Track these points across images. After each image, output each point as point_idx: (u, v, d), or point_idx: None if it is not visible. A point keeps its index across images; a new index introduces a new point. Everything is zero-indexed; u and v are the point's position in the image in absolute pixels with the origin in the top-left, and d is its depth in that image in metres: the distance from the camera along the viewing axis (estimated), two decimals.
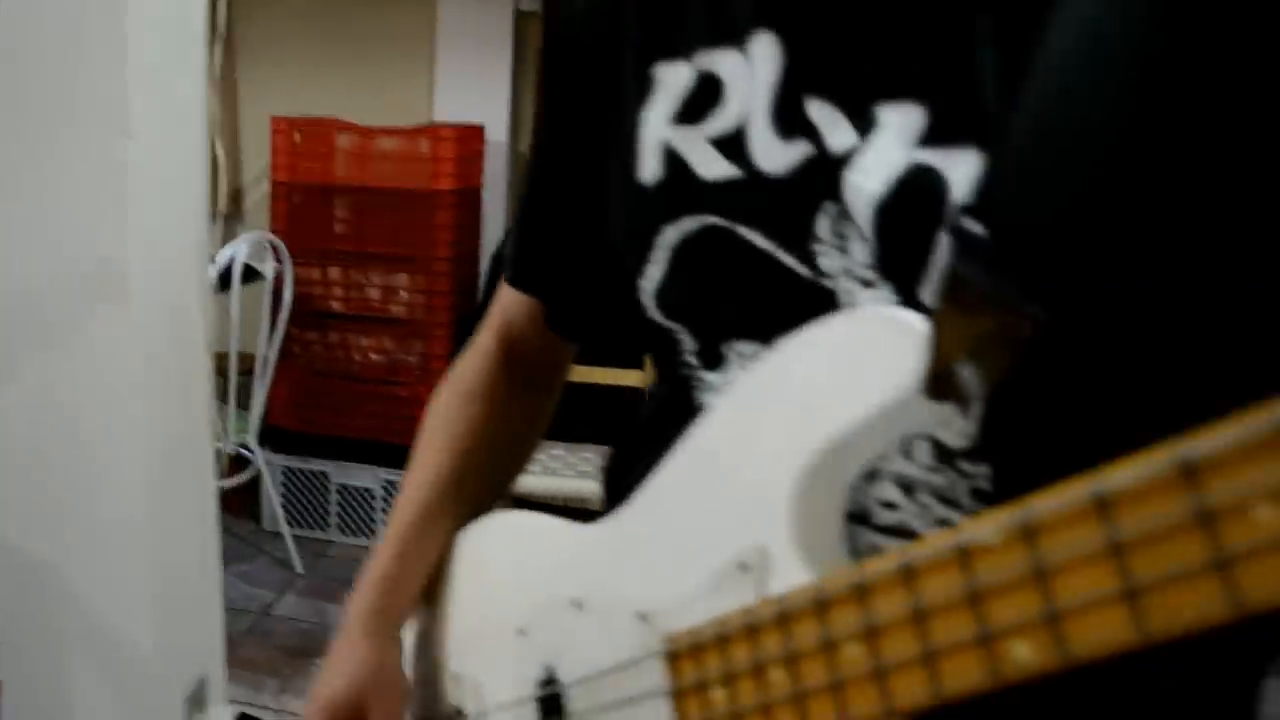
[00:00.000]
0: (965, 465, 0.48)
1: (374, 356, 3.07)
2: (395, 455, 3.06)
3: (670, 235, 0.55)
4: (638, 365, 2.82)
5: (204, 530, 1.53)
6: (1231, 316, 0.46)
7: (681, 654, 0.49)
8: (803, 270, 0.51)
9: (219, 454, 2.53)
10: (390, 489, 3.15)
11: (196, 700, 1.53)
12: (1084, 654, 0.35)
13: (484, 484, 0.73)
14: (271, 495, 3.11)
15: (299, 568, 3.05)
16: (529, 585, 0.61)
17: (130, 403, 1.32)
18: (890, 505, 0.49)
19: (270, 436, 3.20)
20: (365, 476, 3.15)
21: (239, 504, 3.47)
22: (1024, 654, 0.36)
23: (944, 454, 0.48)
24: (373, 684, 0.65)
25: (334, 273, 3.00)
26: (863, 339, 0.44)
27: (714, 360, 0.54)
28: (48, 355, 1.32)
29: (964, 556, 0.38)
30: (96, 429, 1.34)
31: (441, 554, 0.69)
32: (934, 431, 0.48)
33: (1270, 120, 0.42)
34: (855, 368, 0.44)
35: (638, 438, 0.62)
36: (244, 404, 2.88)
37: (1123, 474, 0.34)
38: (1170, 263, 0.45)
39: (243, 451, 2.87)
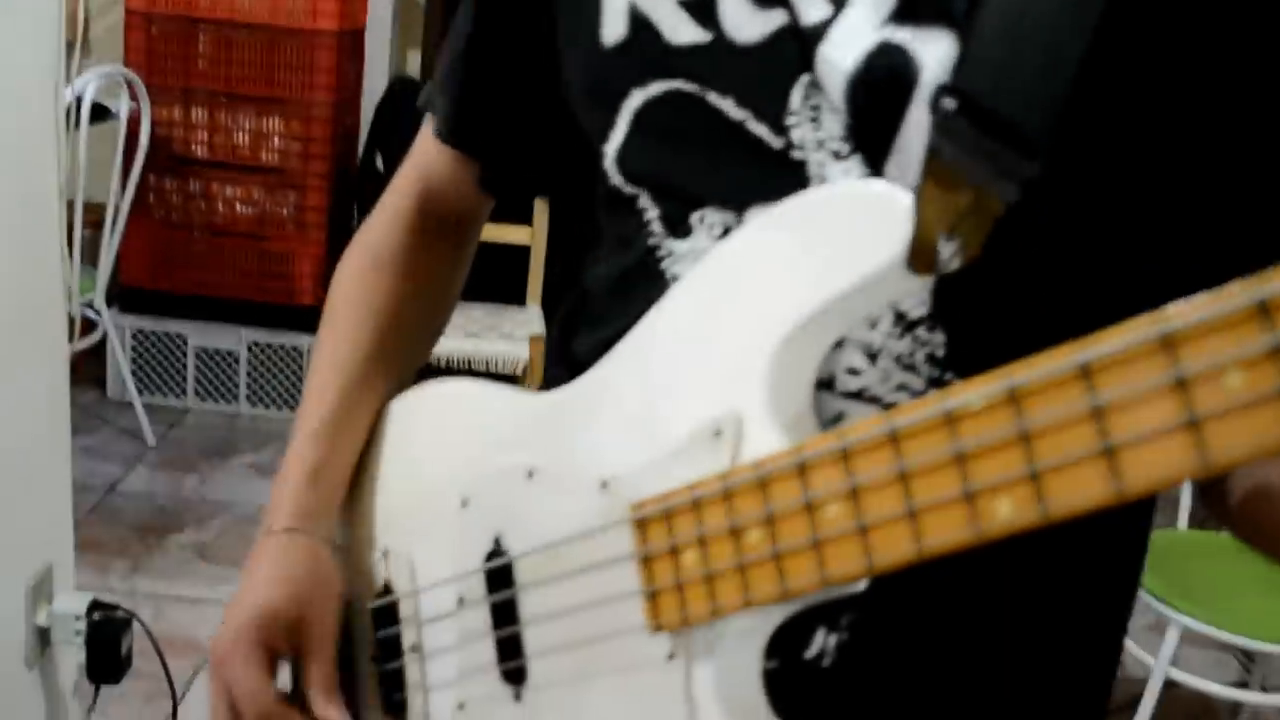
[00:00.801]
0: (922, 333, 0.53)
1: (241, 208, 2.99)
2: (263, 315, 3.02)
3: (636, 99, 0.58)
4: (527, 222, 2.83)
5: (51, 404, 1.49)
6: (1197, 201, 0.52)
7: (651, 520, 0.53)
8: (774, 141, 0.55)
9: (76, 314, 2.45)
10: (257, 351, 3.12)
11: (42, 590, 1.52)
12: (1062, 511, 0.40)
13: (405, 356, 0.75)
14: (121, 361, 3.05)
15: (150, 439, 3.01)
16: (472, 455, 0.64)
17: None
18: (854, 371, 0.54)
19: (121, 296, 3.11)
20: (228, 338, 3.10)
21: (82, 371, 3.38)
22: (1006, 510, 0.41)
23: (904, 322, 0.53)
24: (311, 587, 0.66)
25: (197, 114, 2.88)
26: (851, 211, 0.48)
27: (681, 229, 0.57)
28: None
29: (949, 420, 0.43)
30: None
31: (361, 440, 0.71)
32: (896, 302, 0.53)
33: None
34: (843, 239, 0.48)
35: (589, 307, 0.64)
36: (91, 260, 2.78)
37: (1105, 344, 0.39)
38: (1142, 143, 0.50)
39: (88, 312, 2.79)
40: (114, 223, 2.68)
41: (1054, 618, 0.59)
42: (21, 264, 1.34)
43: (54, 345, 1.42)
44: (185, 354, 3.16)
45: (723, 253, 0.53)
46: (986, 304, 0.53)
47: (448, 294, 0.80)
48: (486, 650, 0.62)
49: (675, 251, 0.58)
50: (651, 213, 0.59)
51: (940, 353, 0.53)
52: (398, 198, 0.76)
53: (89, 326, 2.93)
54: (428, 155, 0.74)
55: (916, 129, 0.51)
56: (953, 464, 0.43)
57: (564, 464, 0.58)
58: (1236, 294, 0.36)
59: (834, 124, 0.53)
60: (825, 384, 0.54)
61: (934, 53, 0.51)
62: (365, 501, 0.72)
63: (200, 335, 3.11)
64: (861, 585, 0.49)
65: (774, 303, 0.50)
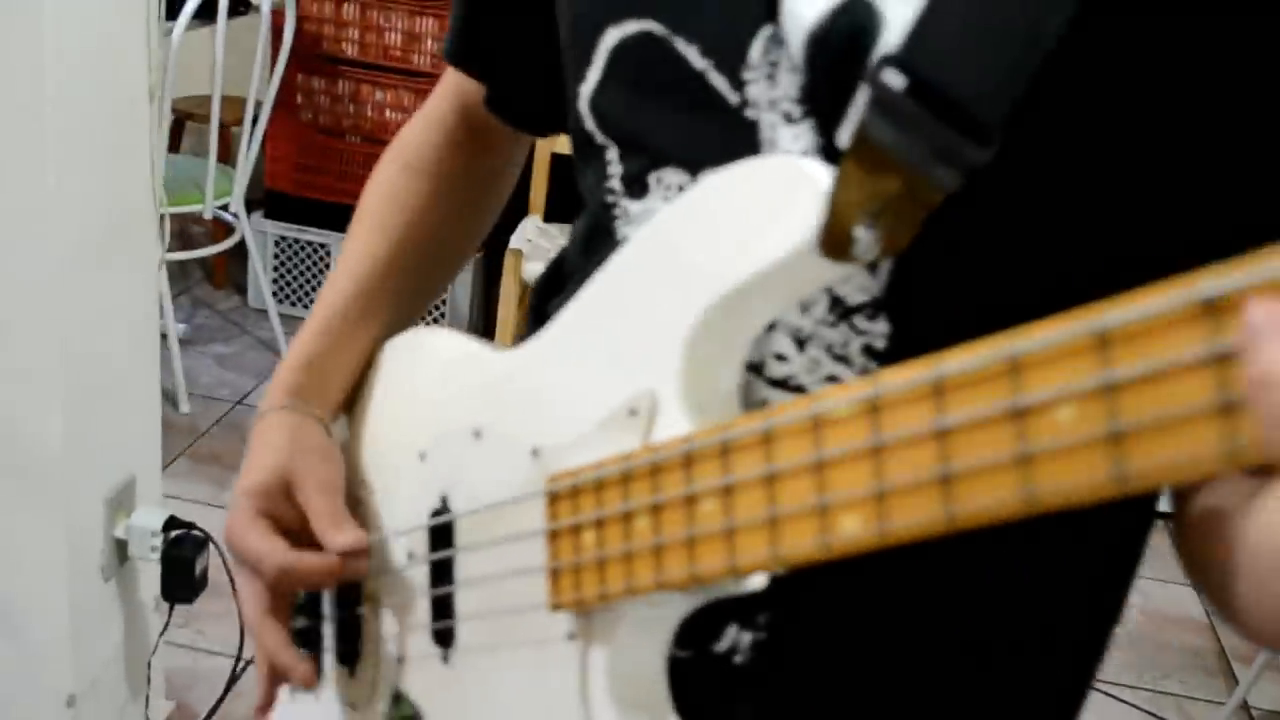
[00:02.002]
0: (861, 321, 0.55)
1: (391, 114, 3.14)
2: None
3: (611, 37, 0.61)
4: None
5: (141, 312, 1.63)
6: (1151, 195, 0.52)
7: (561, 495, 0.57)
8: (731, 96, 0.57)
9: (166, 218, 2.65)
10: None
11: (121, 501, 1.68)
12: (901, 534, 0.42)
13: (430, 259, 0.81)
14: (259, 268, 3.27)
15: (285, 352, 3.23)
16: (435, 409, 0.70)
17: (42, 156, 1.37)
18: (782, 358, 0.56)
19: (265, 201, 3.34)
20: None
21: (224, 276, 3.65)
22: (851, 527, 0.44)
23: (841, 308, 0.55)
24: (296, 457, 0.72)
25: (348, 11, 3.04)
26: (763, 190, 0.50)
27: (638, 188, 0.61)
28: None
29: (816, 425, 0.45)
30: (9, 189, 1.40)
31: (370, 351, 0.78)
32: (832, 285, 0.54)
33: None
34: (753, 220, 0.50)
35: (564, 264, 0.69)
36: (231, 160, 2.99)
37: (957, 362, 0.41)
38: (1103, 135, 0.51)
39: (224, 216, 3.00)
40: (255, 123, 2.87)
41: (995, 631, 0.61)
42: (111, 169, 1.47)
43: (145, 253, 1.55)
44: (328, 265, 3.37)
45: (656, 222, 0.56)
46: (936, 295, 0.55)
47: (483, 202, 0.85)
48: (424, 609, 0.68)
49: (630, 212, 0.62)
50: (615, 168, 0.62)
51: (880, 344, 0.55)
52: (437, 101, 0.82)
53: (227, 230, 3.16)
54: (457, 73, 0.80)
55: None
56: (813, 471, 0.45)
57: (506, 428, 0.63)
58: (1078, 321, 0.37)
59: (790, 83, 0.55)
60: (756, 368, 0.57)
61: (901, 12, 0.51)
62: (355, 442, 0.79)
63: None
64: (756, 585, 0.52)
65: (691, 283, 0.53)
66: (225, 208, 2.98)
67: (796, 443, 0.46)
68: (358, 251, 0.79)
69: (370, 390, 0.78)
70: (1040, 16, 0.48)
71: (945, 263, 0.54)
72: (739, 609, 0.59)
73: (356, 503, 0.76)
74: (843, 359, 0.56)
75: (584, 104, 0.63)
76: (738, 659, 0.60)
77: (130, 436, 1.68)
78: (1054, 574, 0.61)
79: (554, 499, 0.58)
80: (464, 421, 0.66)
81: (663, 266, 0.55)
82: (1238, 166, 0.51)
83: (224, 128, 3.02)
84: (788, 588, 0.58)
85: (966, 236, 0.53)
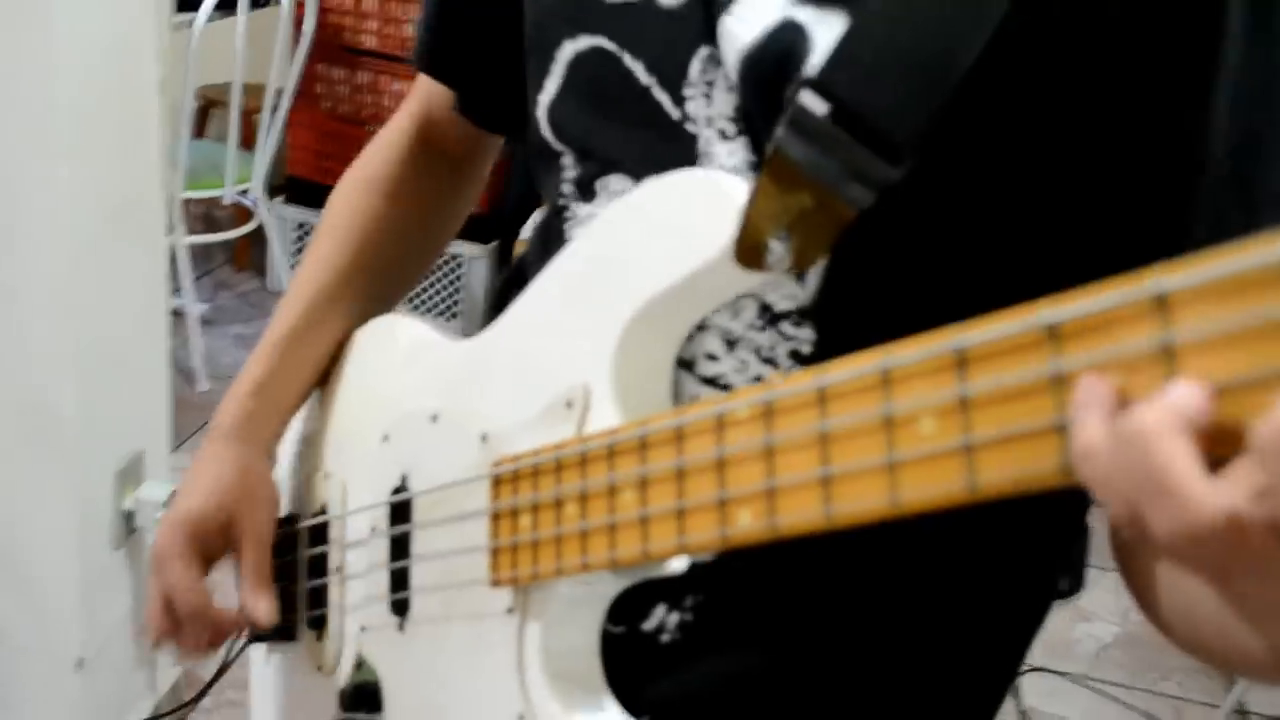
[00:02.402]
0: (788, 328, 0.59)
1: None
2: None
3: (568, 50, 0.64)
4: None
5: (148, 292, 1.68)
6: (1060, 211, 0.55)
7: (503, 479, 0.61)
8: (673, 111, 0.60)
9: (180, 203, 2.70)
10: None
11: (130, 474, 1.73)
12: (787, 529, 0.46)
13: (384, 278, 0.84)
14: (278, 251, 3.32)
15: None
16: (398, 392, 0.74)
17: (55, 145, 1.42)
18: (712, 357, 0.60)
19: (286, 187, 3.39)
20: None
21: (245, 260, 3.71)
22: (745, 521, 0.48)
23: (769, 315, 0.59)
24: (239, 494, 0.76)
25: (368, 3, 3.08)
26: (686, 202, 0.54)
27: (588, 193, 0.64)
28: None
29: (720, 424, 0.49)
30: (14, 175, 1.45)
31: (330, 354, 0.81)
32: (762, 293, 0.58)
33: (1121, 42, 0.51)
34: (676, 230, 0.54)
35: (526, 259, 0.73)
36: (253, 147, 3.03)
37: (839, 372, 0.44)
38: (1013, 157, 0.54)
39: (244, 200, 3.05)
40: (274, 112, 2.92)
41: (914, 620, 0.64)
42: (120, 155, 1.52)
43: (153, 236, 1.60)
44: None
45: (596, 227, 0.60)
46: (860, 304, 0.58)
47: (440, 223, 0.89)
48: (383, 580, 0.72)
49: (579, 215, 0.65)
50: (568, 173, 0.66)
51: (806, 350, 0.58)
52: (397, 122, 0.86)
53: (248, 215, 3.21)
54: (426, 83, 0.83)
55: None
56: (715, 468, 0.49)
57: (460, 412, 0.67)
58: (941, 339, 0.41)
59: (725, 101, 0.58)
60: (689, 366, 0.60)
61: (828, 35, 0.54)
62: (322, 424, 0.83)
63: None
64: (677, 568, 0.56)
65: (621, 287, 0.57)
66: (246, 193, 3.03)
67: (702, 440, 0.50)
68: (309, 270, 0.82)
69: (340, 373, 0.82)
70: (955, 44, 0.51)
71: (868, 274, 0.57)
72: (668, 590, 0.62)
73: (325, 479, 0.80)
74: (770, 361, 0.59)
75: (542, 112, 0.67)
76: (664, 638, 0.63)
77: (140, 412, 1.73)
78: (976, 565, 0.64)
79: (496, 482, 0.62)
80: (423, 406, 0.70)
81: (598, 269, 0.59)
82: (1127, 190, 0.54)
83: (247, 115, 3.06)
84: (715, 573, 0.61)
85: (887, 249, 0.56)
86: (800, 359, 0.59)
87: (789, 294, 0.58)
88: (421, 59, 0.81)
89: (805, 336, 0.59)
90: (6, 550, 1.67)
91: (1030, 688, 2.41)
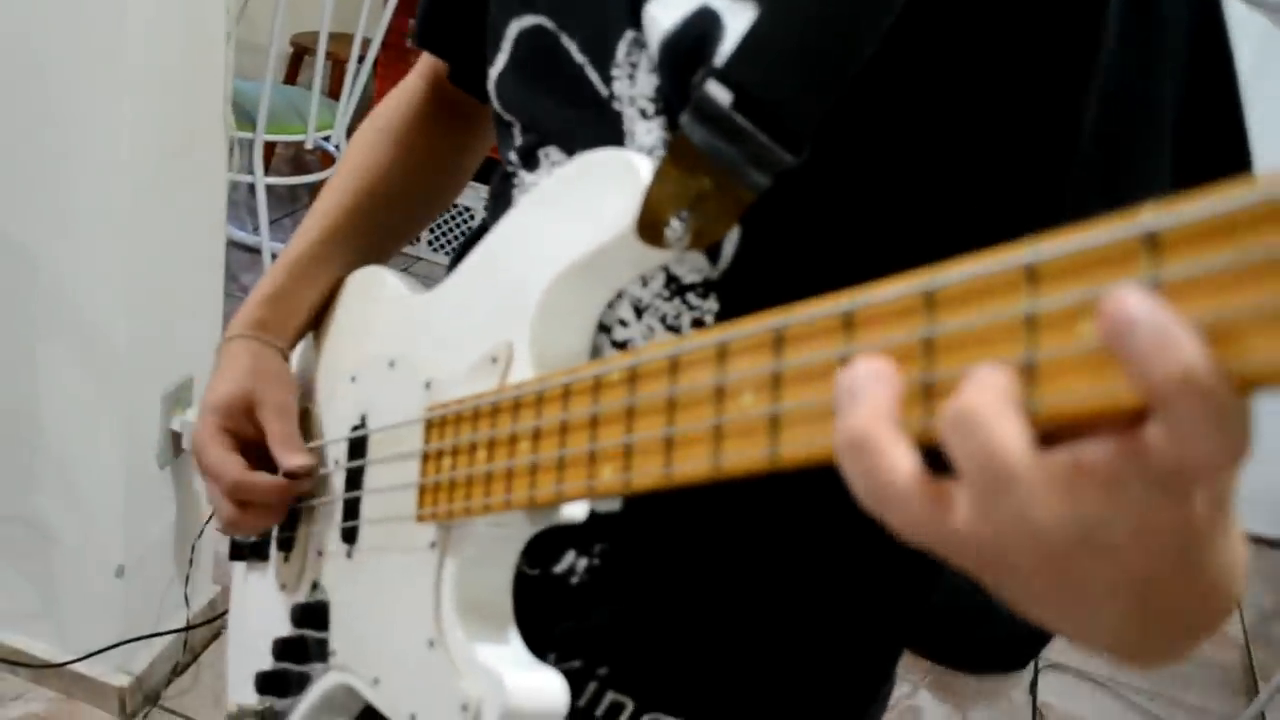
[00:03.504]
0: (693, 298, 0.62)
1: None
2: None
3: (514, 27, 0.69)
4: None
5: (207, 227, 1.75)
6: (954, 193, 0.57)
7: (433, 423, 0.66)
8: (602, 90, 0.64)
9: (238, 145, 2.78)
10: None
11: (178, 398, 1.82)
12: (637, 486, 0.50)
13: (389, 220, 0.89)
14: None
15: None
16: (367, 338, 0.79)
17: (122, 79, 1.49)
18: (623, 323, 0.64)
19: None
20: (468, 193, 3.39)
21: None
22: (608, 476, 0.52)
23: (676, 285, 0.62)
24: (257, 378, 0.81)
25: None
26: (597, 179, 0.58)
27: (531, 161, 0.68)
28: (29, 18, 1.50)
29: (596, 386, 0.53)
30: (80, 108, 1.52)
31: (327, 293, 0.87)
32: (670, 265, 0.61)
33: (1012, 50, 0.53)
34: (592, 202, 0.58)
35: (484, 223, 0.77)
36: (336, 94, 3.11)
37: (689, 343, 0.48)
38: (909, 143, 0.57)
39: (325, 145, 3.14)
40: (360, 62, 2.99)
41: (814, 582, 0.67)
42: (185, 98, 1.59)
43: (213, 172, 1.68)
44: None
45: (529, 197, 0.64)
46: (763, 280, 0.61)
47: (448, 172, 0.94)
48: (338, 510, 0.77)
49: (524, 182, 0.69)
50: (518, 140, 0.70)
51: (709, 320, 0.62)
52: (414, 75, 0.91)
53: (331, 160, 3.30)
54: None
55: None
56: (589, 425, 0.53)
57: (412, 360, 0.72)
58: (765, 319, 0.44)
59: (647, 82, 0.62)
60: (606, 330, 0.64)
61: (737, 24, 0.57)
62: (313, 360, 0.89)
63: None
64: (576, 515, 0.60)
65: (544, 253, 0.61)
66: (329, 139, 3.11)
67: (581, 400, 0.54)
68: (327, 203, 0.87)
69: (330, 316, 0.87)
70: (856, 35, 0.54)
71: (777, 251, 0.61)
72: (578, 537, 0.67)
73: (307, 414, 0.85)
74: (674, 329, 0.63)
75: (491, 85, 0.71)
76: (573, 580, 0.68)
77: (191, 340, 1.81)
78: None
79: (429, 426, 0.66)
80: (384, 351, 0.75)
81: (526, 237, 0.63)
82: (1006, 170, 0.57)
83: (338, 64, 3.14)
84: (621, 524, 0.65)
85: (794, 229, 0.60)
86: (702, 327, 0.62)
87: (696, 267, 0.62)
88: (416, 34, 0.86)
89: (709, 308, 0.62)
90: (60, 460, 1.77)
91: (1048, 685, 2.41)
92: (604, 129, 0.63)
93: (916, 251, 0.58)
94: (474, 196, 3.37)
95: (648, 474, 0.49)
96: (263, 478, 0.78)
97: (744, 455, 0.45)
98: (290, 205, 3.77)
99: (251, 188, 2.88)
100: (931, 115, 0.56)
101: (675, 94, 0.60)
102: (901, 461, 0.35)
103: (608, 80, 0.64)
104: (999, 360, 0.34)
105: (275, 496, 0.79)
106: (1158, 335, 0.29)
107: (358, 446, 0.76)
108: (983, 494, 0.33)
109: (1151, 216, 0.31)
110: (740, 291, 0.62)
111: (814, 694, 0.72)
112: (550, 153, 0.67)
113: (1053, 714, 2.36)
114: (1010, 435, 0.32)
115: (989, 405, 0.32)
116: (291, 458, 0.78)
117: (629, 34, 0.62)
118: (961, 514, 0.34)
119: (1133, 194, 0.54)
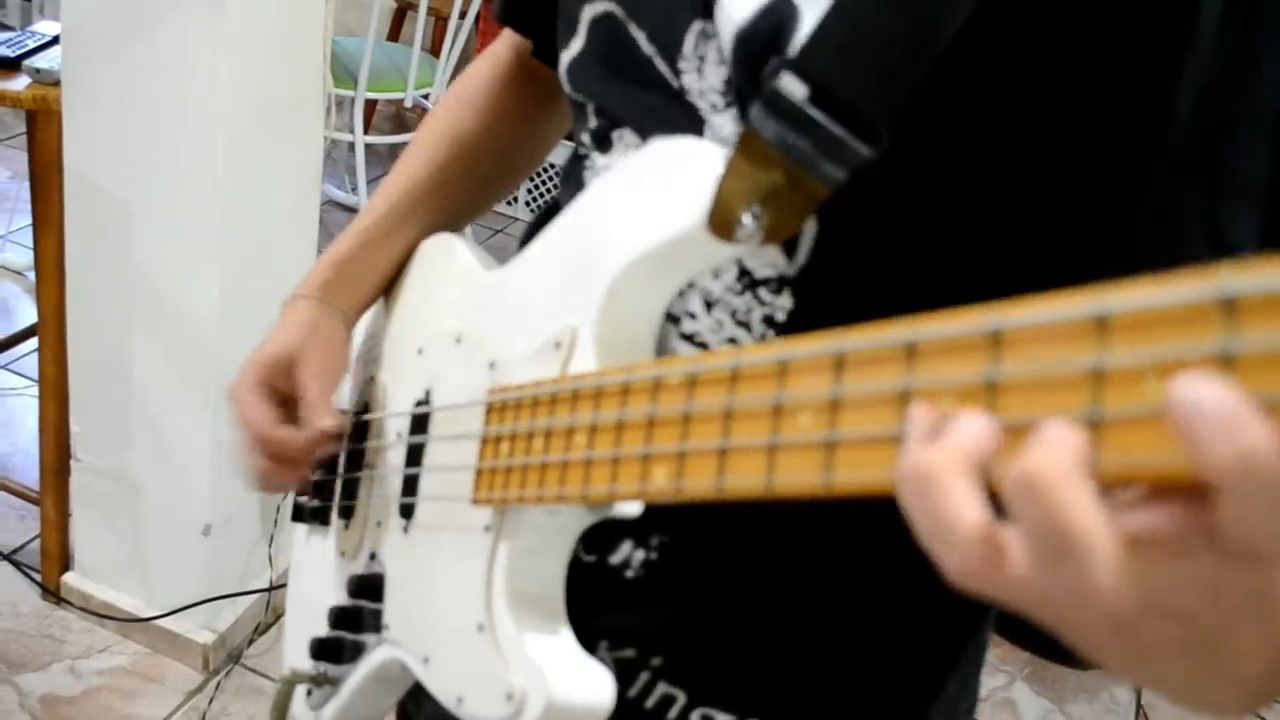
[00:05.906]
0: (765, 294, 0.60)
1: None
2: None
3: (588, 12, 0.67)
4: None
5: (301, 188, 1.75)
6: (1033, 199, 0.54)
7: (494, 407, 0.65)
8: (673, 81, 0.62)
9: (337, 103, 2.79)
10: None
11: None
12: (690, 493, 0.48)
13: (468, 187, 0.88)
14: None
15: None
16: (436, 310, 0.78)
17: (220, 36, 1.49)
18: (692, 315, 0.62)
19: None
20: (560, 152, 3.38)
21: None
22: (659, 479, 0.50)
23: (749, 279, 0.60)
24: (306, 340, 0.81)
25: None
26: (671, 169, 0.56)
27: (604, 144, 0.67)
28: None
29: (655, 387, 0.51)
30: (180, 62, 1.53)
31: (399, 261, 0.86)
32: (743, 259, 0.59)
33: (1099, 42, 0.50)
34: (659, 195, 0.56)
35: (555, 202, 0.75)
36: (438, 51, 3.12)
37: (749, 357, 0.46)
38: (988, 140, 0.54)
39: (424, 103, 3.15)
40: (462, 19, 2.99)
41: (873, 588, 0.65)
42: (284, 51, 1.59)
43: (309, 131, 1.68)
44: None
45: (604, 181, 0.62)
46: (840, 279, 0.59)
47: (530, 140, 0.92)
48: (398, 484, 0.76)
49: (596, 164, 0.68)
50: (591, 122, 0.68)
51: (781, 317, 0.60)
52: (499, 43, 0.89)
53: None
54: None
55: None
56: (645, 426, 0.51)
57: (478, 338, 0.71)
58: (826, 341, 0.42)
59: (716, 75, 0.59)
60: (675, 320, 0.63)
61: (812, 14, 0.54)
62: (383, 328, 0.88)
63: None
64: (631, 511, 0.59)
65: (616, 240, 0.59)
66: (428, 97, 3.12)
67: (639, 399, 0.52)
68: (405, 169, 0.86)
69: (402, 282, 0.87)
70: (934, 22, 0.51)
71: (854, 249, 0.58)
72: (635, 529, 0.65)
73: (373, 382, 0.85)
74: (744, 324, 0.61)
75: (563, 69, 0.70)
76: (629, 573, 0.66)
77: (284, 300, 1.82)
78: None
79: (489, 409, 0.65)
80: (452, 326, 0.74)
81: (596, 223, 0.61)
82: (1089, 169, 0.53)
83: (440, 21, 3.14)
84: (682, 515, 0.64)
85: (873, 226, 0.57)
86: (773, 325, 0.60)
87: (771, 262, 0.60)
88: (499, 10, 0.84)
89: (783, 304, 0.60)
90: (153, 419, 1.80)
91: None
92: (680, 116, 0.61)
93: (996, 249, 0.56)
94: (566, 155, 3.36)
95: (700, 482, 0.48)
96: (289, 432, 0.79)
97: (797, 477, 0.43)
98: (389, 164, 3.79)
99: (351, 146, 2.90)
100: (1012, 104, 0.53)
101: (747, 86, 0.58)
102: (968, 508, 0.33)
103: (677, 73, 0.61)
104: (1062, 412, 0.32)
105: (300, 454, 0.79)
106: (1223, 420, 0.27)
107: (420, 422, 0.75)
108: (1044, 554, 0.31)
109: (1230, 279, 0.29)
110: (816, 289, 0.59)
111: (873, 693, 0.70)
112: (625, 135, 0.65)
113: (1157, 715, 2.29)
114: (1079, 504, 0.30)
115: (1058, 467, 0.30)
116: (319, 419, 0.78)
117: (697, 25, 0.60)
118: (1020, 568, 0.32)
119: (1229, 197, 0.52)
